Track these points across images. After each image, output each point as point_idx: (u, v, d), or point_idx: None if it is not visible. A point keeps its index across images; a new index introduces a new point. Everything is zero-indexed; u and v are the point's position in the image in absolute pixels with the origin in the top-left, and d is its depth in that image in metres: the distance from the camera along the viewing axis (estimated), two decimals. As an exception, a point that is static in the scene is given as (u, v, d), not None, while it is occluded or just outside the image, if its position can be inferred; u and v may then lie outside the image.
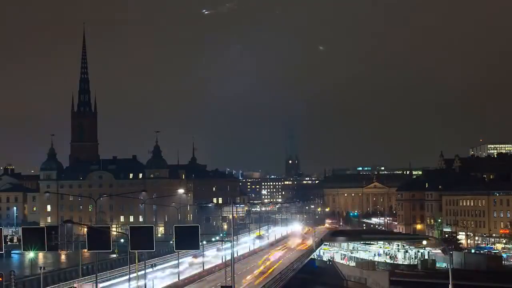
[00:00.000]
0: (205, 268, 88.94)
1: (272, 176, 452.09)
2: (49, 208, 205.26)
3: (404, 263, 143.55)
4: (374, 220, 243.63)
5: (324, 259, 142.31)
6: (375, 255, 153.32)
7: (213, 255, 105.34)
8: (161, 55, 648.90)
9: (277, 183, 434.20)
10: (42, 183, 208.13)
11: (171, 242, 76.09)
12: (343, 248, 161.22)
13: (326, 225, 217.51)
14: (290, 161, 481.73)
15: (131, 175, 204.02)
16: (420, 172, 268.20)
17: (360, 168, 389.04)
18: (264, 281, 78.61)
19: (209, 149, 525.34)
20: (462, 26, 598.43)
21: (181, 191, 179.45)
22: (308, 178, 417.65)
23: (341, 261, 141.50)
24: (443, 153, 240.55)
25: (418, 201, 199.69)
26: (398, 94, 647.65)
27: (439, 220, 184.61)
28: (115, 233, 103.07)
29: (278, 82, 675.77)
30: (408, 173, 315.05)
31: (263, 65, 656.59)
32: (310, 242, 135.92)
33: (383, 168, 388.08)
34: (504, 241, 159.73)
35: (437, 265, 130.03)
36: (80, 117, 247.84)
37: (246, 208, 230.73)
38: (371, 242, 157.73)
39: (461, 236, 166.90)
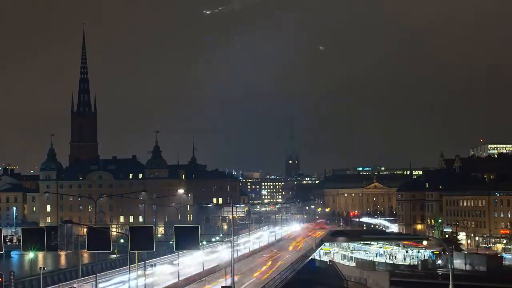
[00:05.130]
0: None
1: (272, 176, 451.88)
2: (48, 208, 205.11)
3: (404, 263, 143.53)
4: (374, 221, 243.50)
5: (324, 259, 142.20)
6: (376, 255, 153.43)
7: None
8: (161, 55, 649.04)
9: (277, 183, 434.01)
10: (41, 183, 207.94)
11: (171, 242, 76.02)
12: (343, 248, 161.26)
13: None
14: (290, 161, 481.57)
15: (131, 175, 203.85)
16: (420, 172, 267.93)
17: (360, 168, 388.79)
18: (264, 281, 78.49)
19: (209, 149, 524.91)
20: (462, 26, 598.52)
21: (181, 191, 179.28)
22: (308, 178, 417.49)
23: (341, 261, 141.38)
24: (443, 153, 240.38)
25: (419, 201, 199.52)
26: (398, 94, 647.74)
27: (440, 221, 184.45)
28: (115, 233, 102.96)
29: (278, 82, 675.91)
30: (408, 173, 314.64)
31: (263, 65, 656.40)
32: None
33: (383, 168, 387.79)
34: (504, 242, 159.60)
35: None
36: (80, 117, 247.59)
37: (246, 209, 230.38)
38: (371, 242, 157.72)
39: (462, 237, 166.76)
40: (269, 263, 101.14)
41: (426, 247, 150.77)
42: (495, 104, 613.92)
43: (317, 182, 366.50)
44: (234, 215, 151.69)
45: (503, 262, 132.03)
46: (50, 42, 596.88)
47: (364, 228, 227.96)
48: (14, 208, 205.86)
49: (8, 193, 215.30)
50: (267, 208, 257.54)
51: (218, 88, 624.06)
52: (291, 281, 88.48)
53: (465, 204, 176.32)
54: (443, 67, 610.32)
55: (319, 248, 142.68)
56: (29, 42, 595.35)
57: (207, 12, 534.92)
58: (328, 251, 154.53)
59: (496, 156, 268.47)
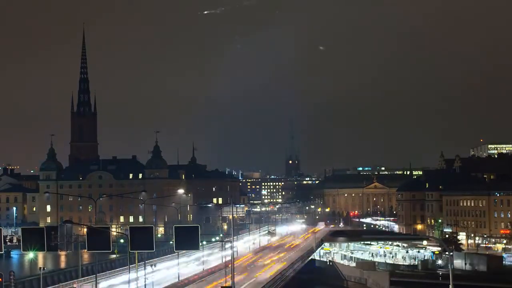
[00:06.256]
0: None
1: (272, 176, 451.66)
2: (48, 208, 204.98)
3: (404, 263, 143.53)
4: (374, 220, 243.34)
5: (324, 259, 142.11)
6: (375, 255, 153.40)
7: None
8: (161, 55, 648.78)
9: (277, 183, 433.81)
10: (41, 183, 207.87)
11: (171, 242, 75.93)
12: (343, 248, 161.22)
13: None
14: (290, 161, 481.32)
15: (131, 175, 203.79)
16: (421, 172, 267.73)
17: (360, 168, 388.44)
18: (264, 282, 78.57)
19: (209, 149, 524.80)
20: (462, 26, 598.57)
21: (181, 191, 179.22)
22: (308, 178, 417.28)
23: (341, 261, 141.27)
24: (443, 153, 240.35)
25: (419, 201, 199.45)
26: (398, 94, 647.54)
27: (440, 221, 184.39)
28: (115, 233, 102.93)
29: (278, 82, 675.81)
30: (408, 173, 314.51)
31: (263, 65, 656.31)
32: None
33: (383, 168, 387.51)
34: (504, 242, 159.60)
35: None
36: (80, 117, 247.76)
37: (246, 209, 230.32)
38: (371, 243, 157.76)
39: (462, 237, 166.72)
40: None
41: (426, 247, 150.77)
42: (495, 104, 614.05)
43: (317, 182, 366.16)
44: (234, 215, 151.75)
45: (503, 262, 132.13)
46: (50, 42, 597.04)
47: (364, 228, 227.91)
48: (14, 208, 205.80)
49: (8, 193, 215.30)
50: (267, 208, 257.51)
51: (218, 87, 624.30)
52: (291, 281, 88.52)
53: (465, 204, 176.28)
54: (443, 67, 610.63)
55: (319, 248, 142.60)
56: (29, 42, 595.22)
57: (207, 12, 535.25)
58: (328, 251, 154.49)
59: (496, 156, 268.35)
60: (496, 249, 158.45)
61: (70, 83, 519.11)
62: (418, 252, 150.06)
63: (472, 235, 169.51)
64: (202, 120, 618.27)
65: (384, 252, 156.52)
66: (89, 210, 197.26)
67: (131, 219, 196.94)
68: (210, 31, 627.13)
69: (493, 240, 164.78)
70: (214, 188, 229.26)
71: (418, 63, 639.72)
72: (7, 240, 57.59)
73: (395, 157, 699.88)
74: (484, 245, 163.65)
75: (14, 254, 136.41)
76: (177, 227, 54.24)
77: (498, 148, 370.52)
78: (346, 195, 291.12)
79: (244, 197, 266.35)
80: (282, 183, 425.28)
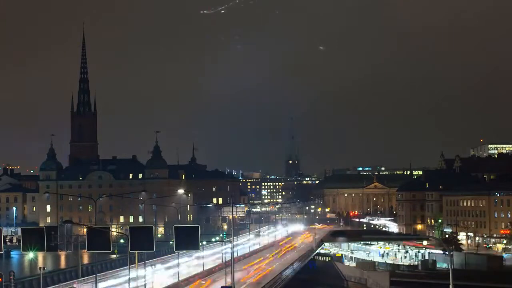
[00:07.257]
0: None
1: (272, 176, 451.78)
2: (48, 208, 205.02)
3: (404, 263, 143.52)
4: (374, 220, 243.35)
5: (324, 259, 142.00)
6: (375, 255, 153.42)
7: None
8: (161, 55, 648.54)
9: (277, 183, 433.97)
10: (41, 183, 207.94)
11: (171, 242, 75.99)
12: (343, 248, 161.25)
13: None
14: (290, 161, 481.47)
15: (131, 175, 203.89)
16: (421, 172, 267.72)
17: (361, 168, 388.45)
18: (264, 282, 78.57)
19: (209, 149, 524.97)
20: (462, 26, 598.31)
21: (181, 191, 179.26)
22: (308, 178, 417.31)
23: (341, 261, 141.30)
24: (443, 153, 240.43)
25: (419, 201, 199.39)
26: (398, 94, 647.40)
27: (440, 221, 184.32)
28: (115, 233, 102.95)
29: (278, 82, 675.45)
30: (408, 173, 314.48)
31: (263, 65, 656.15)
32: None
33: (383, 168, 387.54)
34: (504, 242, 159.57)
35: (438, 265, 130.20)
36: (80, 117, 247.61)
37: (246, 209, 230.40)
38: (372, 243, 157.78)
39: (462, 237, 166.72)
40: None
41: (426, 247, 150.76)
42: (495, 104, 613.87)
43: (317, 182, 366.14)
44: (234, 215, 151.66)
45: (503, 262, 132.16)
46: (50, 42, 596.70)
47: (364, 228, 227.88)
48: (14, 208, 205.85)
49: (8, 193, 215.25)
50: (267, 208, 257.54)
51: (218, 88, 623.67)
52: (291, 281, 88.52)
53: (465, 204, 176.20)
54: (443, 67, 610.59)
55: (319, 248, 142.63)
56: (29, 42, 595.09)
57: (207, 12, 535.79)
58: (328, 251, 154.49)
59: (496, 156, 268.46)
60: (496, 249, 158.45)
61: (70, 83, 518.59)
62: (418, 252, 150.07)
63: (472, 235, 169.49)
64: (202, 120, 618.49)
65: (384, 252, 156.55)
66: (89, 210, 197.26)
67: (131, 219, 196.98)
68: (210, 31, 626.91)
69: (493, 240, 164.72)
70: (214, 188, 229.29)
71: (418, 63, 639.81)
72: (7, 240, 57.52)
73: (395, 157, 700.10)
74: (485, 245, 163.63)
75: (14, 254, 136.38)
76: (177, 227, 54.21)
77: (498, 148, 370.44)
78: (346, 195, 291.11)
79: (244, 197, 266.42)
80: (282, 183, 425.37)
